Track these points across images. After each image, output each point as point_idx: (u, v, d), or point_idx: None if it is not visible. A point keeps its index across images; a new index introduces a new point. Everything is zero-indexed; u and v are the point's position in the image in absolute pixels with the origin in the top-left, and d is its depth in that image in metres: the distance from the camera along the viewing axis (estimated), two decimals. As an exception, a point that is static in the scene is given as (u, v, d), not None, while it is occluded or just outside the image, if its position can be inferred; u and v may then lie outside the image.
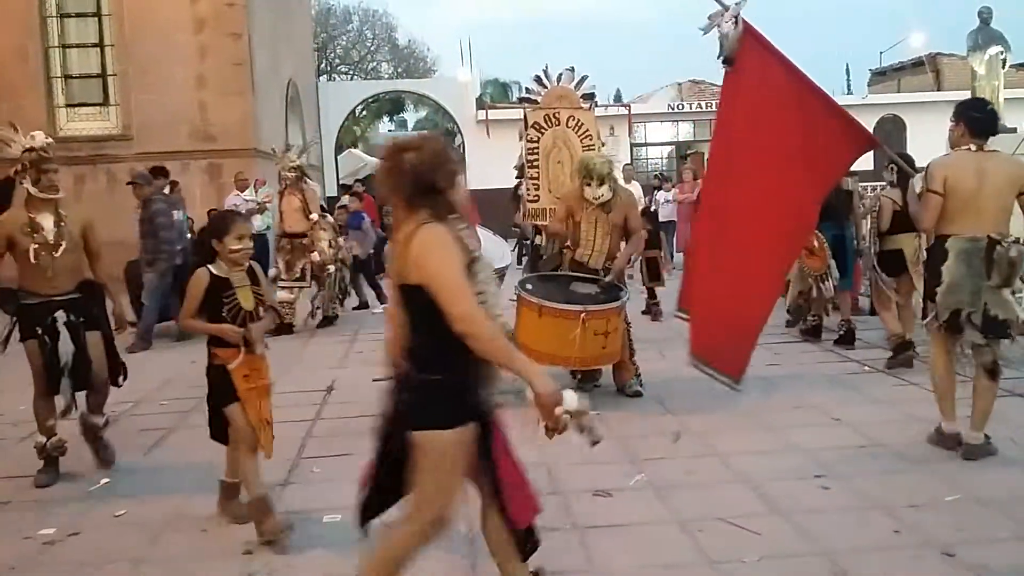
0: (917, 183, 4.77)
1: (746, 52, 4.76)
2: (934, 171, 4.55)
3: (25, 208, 4.61)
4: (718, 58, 4.82)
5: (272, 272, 9.25)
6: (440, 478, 2.61)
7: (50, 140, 4.76)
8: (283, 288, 9.25)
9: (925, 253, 5.58)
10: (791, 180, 4.72)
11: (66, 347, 4.55)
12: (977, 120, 4.56)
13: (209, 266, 3.84)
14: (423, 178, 2.57)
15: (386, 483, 2.72)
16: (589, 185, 5.93)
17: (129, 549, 3.78)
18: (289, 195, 9.36)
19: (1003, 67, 10.86)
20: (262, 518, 3.77)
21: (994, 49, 10.68)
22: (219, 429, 3.92)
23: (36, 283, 4.59)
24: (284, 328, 8.95)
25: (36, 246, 4.52)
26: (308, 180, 9.55)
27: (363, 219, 11.87)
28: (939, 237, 4.57)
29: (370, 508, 2.79)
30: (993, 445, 4.55)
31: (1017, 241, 4.45)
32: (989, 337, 4.45)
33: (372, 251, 11.49)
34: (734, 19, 4.69)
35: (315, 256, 9.26)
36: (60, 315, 4.57)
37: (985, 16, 10.73)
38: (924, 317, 4.74)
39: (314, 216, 9.45)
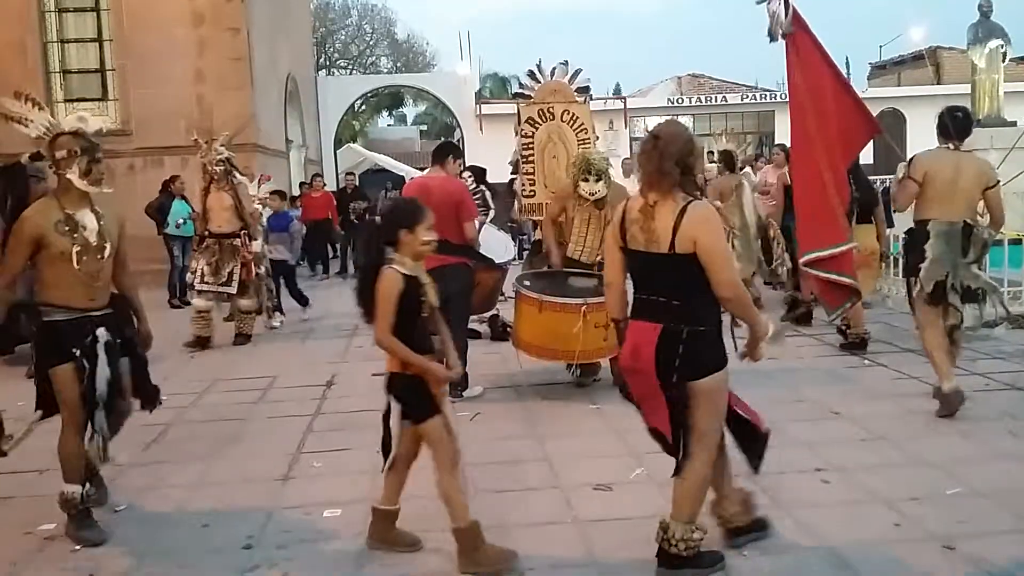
0: (900, 170, 5.50)
1: (796, 33, 5.55)
2: (917, 162, 5.30)
3: (57, 202, 3.81)
4: (768, 36, 5.62)
5: (189, 276, 8.43)
6: (720, 410, 3.18)
7: (107, 125, 4.06)
8: (203, 294, 8.25)
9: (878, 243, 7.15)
10: (828, 152, 5.66)
11: (103, 373, 3.77)
12: (952, 125, 5.29)
13: (394, 265, 3.29)
14: (684, 161, 3.08)
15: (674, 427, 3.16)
16: (586, 180, 5.92)
17: (130, 543, 3.78)
18: (218, 191, 8.28)
19: (1003, 60, 10.82)
20: (477, 546, 3.34)
21: (994, 42, 10.65)
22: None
23: (70, 294, 3.76)
24: (203, 341, 8.23)
25: (79, 248, 3.74)
26: (238, 174, 8.53)
27: (290, 220, 10.69)
28: (920, 222, 5.31)
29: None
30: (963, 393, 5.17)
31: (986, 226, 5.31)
32: (965, 303, 5.26)
33: (300, 256, 10.61)
34: (783, 3, 5.40)
35: (255, 245, 8.41)
36: (102, 333, 3.79)
37: (985, 9, 10.69)
38: (909, 295, 5.49)
39: (258, 210, 8.75)
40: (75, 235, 3.76)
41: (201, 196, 8.47)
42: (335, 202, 14.73)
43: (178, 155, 14.00)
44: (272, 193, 10.56)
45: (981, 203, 5.38)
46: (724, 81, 31.00)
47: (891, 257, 8.50)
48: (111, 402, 3.82)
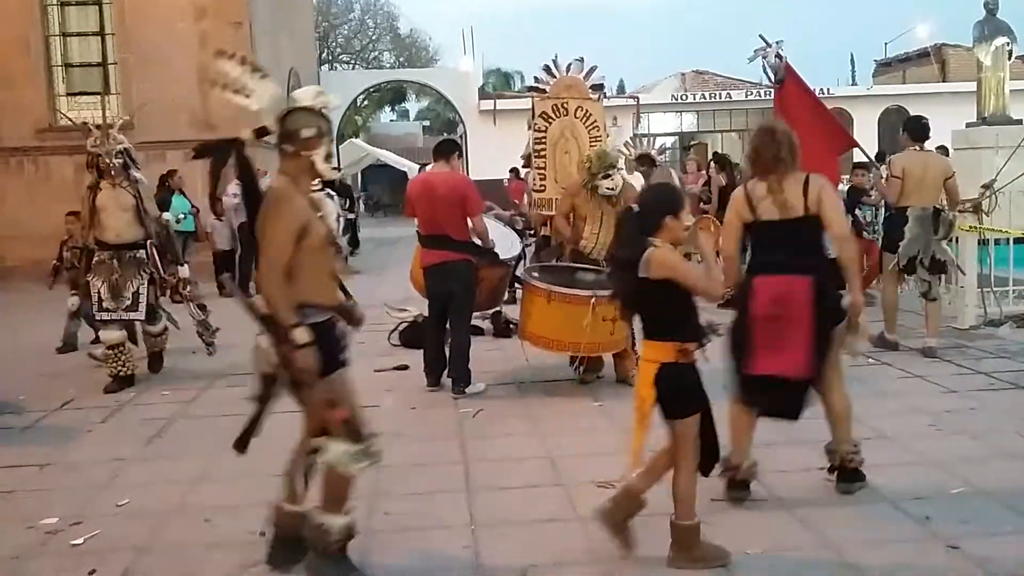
0: (883, 171, 7.15)
1: (788, 78, 7.05)
2: (895, 163, 6.83)
3: (297, 186, 3.22)
4: (774, 82, 7.12)
5: (71, 301, 6.89)
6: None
7: (334, 101, 3.43)
8: (108, 324, 6.51)
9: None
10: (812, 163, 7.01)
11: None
12: (916, 131, 6.80)
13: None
14: (793, 148, 3.81)
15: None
16: (608, 177, 5.93)
17: (131, 538, 3.77)
18: (112, 188, 6.44)
19: (1009, 58, 10.72)
20: (693, 545, 3.32)
21: (1000, 40, 10.56)
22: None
23: (328, 290, 3.28)
24: (126, 380, 6.51)
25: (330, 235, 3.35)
26: (136, 169, 6.71)
27: None
28: (900, 208, 6.71)
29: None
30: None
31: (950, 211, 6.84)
32: (933, 273, 6.69)
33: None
34: (777, 56, 6.98)
35: (183, 271, 6.86)
36: (342, 330, 3.33)
37: (991, 7, 10.60)
38: (880, 267, 7.07)
39: (168, 216, 7.25)
40: (326, 222, 3.30)
41: (86, 197, 6.56)
42: None
43: (180, 149, 13.95)
44: (70, 215, 8.12)
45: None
46: (728, 78, 30.90)
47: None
48: None
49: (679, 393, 3.22)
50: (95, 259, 6.49)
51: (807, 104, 7.22)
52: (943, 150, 14.35)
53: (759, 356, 3.76)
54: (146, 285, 6.51)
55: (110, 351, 6.51)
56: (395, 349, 7.57)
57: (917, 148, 6.74)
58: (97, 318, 6.61)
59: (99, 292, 6.43)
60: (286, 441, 5.03)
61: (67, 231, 8.19)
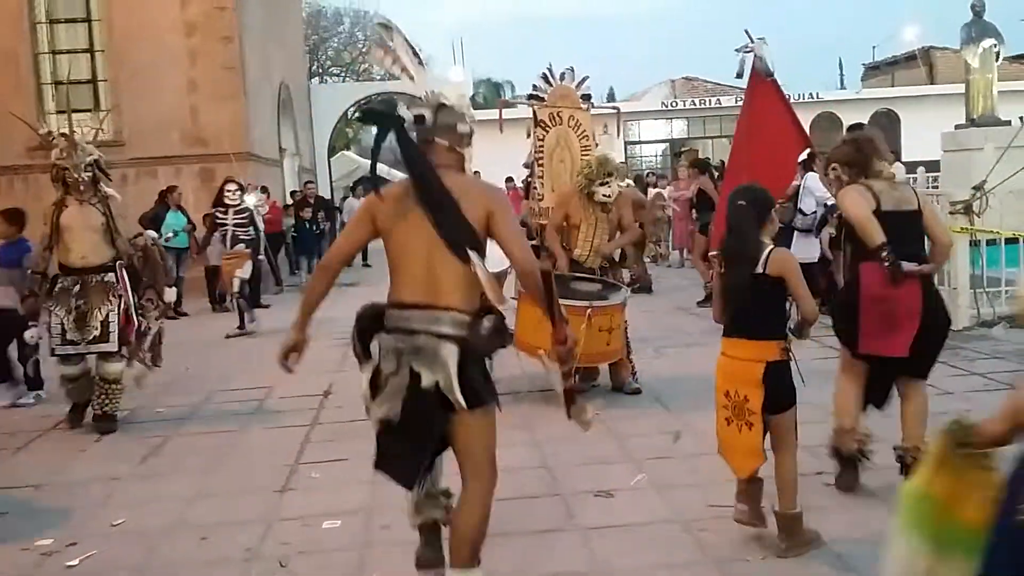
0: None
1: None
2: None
3: None
4: (765, 75, 6.80)
5: (31, 333, 6.04)
6: None
7: None
8: (69, 359, 5.81)
9: None
10: (768, 165, 6.43)
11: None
12: None
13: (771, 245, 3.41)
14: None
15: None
16: (606, 184, 5.96)
17: (128, 558, 3.75)
18: (80, 205, 5.74)
19: (996, 60, 10.82)
20: (798, 530, 3.45)
21: (987, 42, 10.64)
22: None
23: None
24: (108, 419, 5.83)
25: None
26: (108, 184, 6.05)
27: (25, 251, 6.57)
28: None
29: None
30: None
31: None
32: None
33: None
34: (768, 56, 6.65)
35: (168, 295, 6.35)
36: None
37: (978, 9, 10.69)
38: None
39: (152, 234, 6.74)
40: None
41: (49, 214, 5.78)
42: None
43: (171, 165, 14.00)
44: (7, 214, 6.91)
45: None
46: (718, 84, 31.00)
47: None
48: None
49: (785, 389, 3.42)
50: (58, 286, 5.74)
51: (780, 101, 7.29)
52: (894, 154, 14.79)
53: (865, 337, 3.93)
54: (116, 312, 5.72)
55: (66, 381, 5.93)
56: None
57: None
58: (58, 352, 5.76)
59: (62, 323, 5.66)
60: (282, 456, 5.04)
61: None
